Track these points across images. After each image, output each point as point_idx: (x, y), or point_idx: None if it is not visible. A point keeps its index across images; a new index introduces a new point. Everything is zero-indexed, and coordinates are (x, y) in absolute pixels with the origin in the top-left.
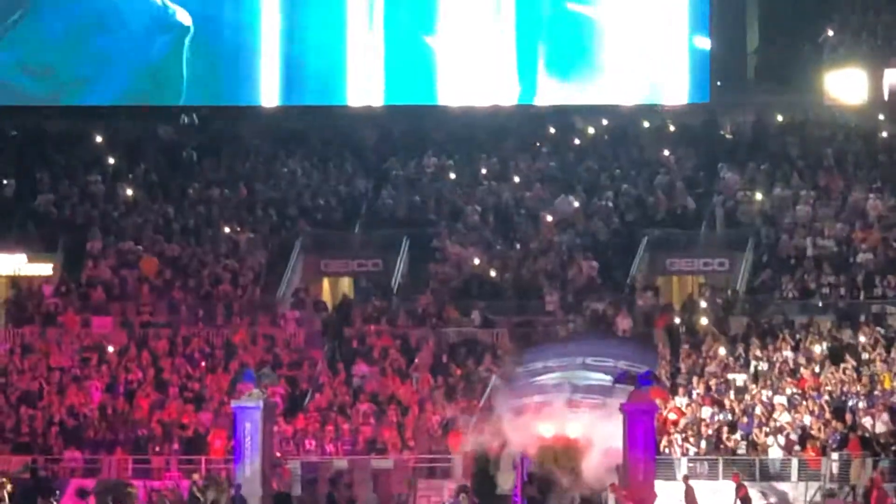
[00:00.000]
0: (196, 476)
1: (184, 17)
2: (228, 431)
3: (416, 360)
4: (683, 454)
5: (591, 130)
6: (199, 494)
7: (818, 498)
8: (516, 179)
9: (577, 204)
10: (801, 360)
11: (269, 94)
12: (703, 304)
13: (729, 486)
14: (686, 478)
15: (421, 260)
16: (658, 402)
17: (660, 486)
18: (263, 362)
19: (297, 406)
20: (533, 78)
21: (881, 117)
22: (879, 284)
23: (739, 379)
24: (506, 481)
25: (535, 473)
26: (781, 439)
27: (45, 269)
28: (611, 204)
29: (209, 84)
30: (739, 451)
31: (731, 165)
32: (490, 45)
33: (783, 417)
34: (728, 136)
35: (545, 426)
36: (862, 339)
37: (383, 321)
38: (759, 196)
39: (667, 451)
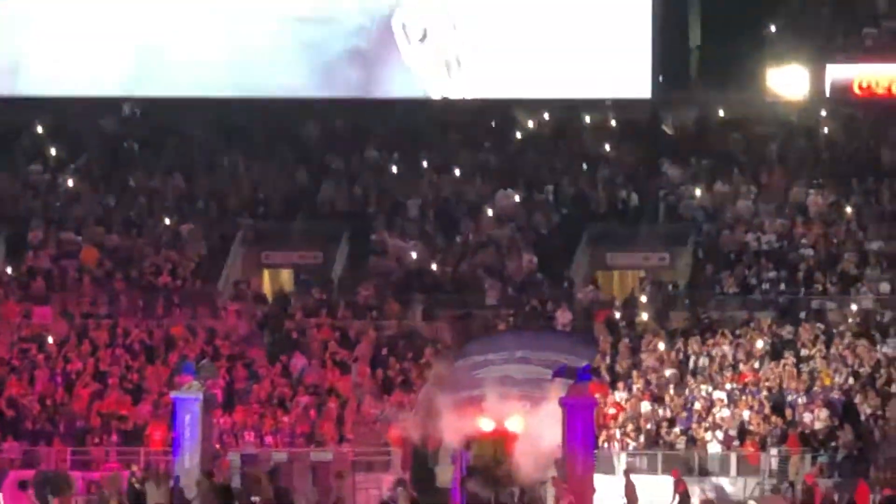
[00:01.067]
0: (134, 467)
1: None
2: (168, 423)
3: (356, 353)
4: (622, 449)
5: (531, 124)
6: (137, 486)
7: (756, 493)
8: (457, 173)
9: (517, 198)
10: (741, 356)
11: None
12: (644, 299)
13: (668, 481)
14: (627, 472)
15: (361, 253)
16: (597, 396)
17: (599, 480)
18: (203, 354)
19: (236, 398)
20: (473, 70)
21: (823, 113)
22: (820, 280)
23: (679, 374)
24: (444, 474)
25: (474, 467)
26: (720, 434)
27: None
28: (551, 198)
29: None
30: (678, 446)
31: (672, 161)
32: (433, 34)
33: (722, 413)
34: (670, 131)
35: (484, 420)
36: (802, 334)
37: (323, 314)
38: (700, 191)
39: (606, 445)
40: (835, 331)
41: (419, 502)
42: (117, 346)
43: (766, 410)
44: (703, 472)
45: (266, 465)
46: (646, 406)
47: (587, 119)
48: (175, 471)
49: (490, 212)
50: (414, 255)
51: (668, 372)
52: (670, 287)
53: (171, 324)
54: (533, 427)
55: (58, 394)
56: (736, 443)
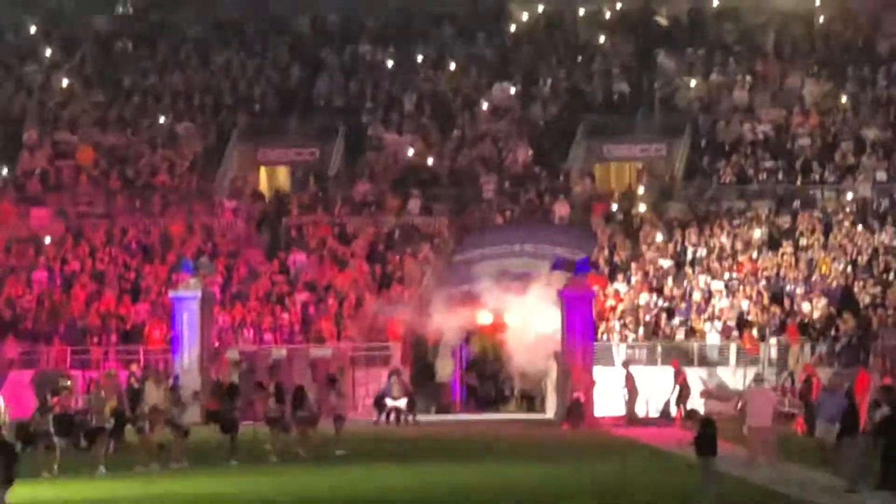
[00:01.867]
0: (133, 367)
1: None
2: (166, 322)
3: (353, 249)
4: (622, 340)
5: (525, 17)
6: (136, 385)
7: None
8: (452, 66)
9: (513, 91)
10: (739, 246)
11: None
12: (641, 191)
13: (667, 372)
14: (626, 363)
15: (357, 149)
16: (596, 288)
17: (598, 372)
18: (201, 252)
19: (234, 296)
20: None
21: (818, 2)
22: (817, 169)
23: (677, 265)
24: (444, 369)
25: (473, 361)
26: (719, 325)
27: None
28: (547, 91)
29: None
30: (677, 338)
31: (667, 52)
32: None
33: (721, 303)
34: (664, 22)
35: (483, 314)
36: (800, 224)
37: (320, 210)
38: (695, 82)
39: (605, 337)
40: (832, 219)
41: (412, 393)
42: (115, 246)
43: (765, 300)
44: (702, 363)
45: (265, 362)
46: (644, 297)
47: (581, 11)
48: (174, 369)
49: (486, 105)
50: (410, 149)
51: (666, 263)
52: (667, 178)
53: (168, 222)
54: (531, 320)
55: (56, 294)
56: (735, 333)
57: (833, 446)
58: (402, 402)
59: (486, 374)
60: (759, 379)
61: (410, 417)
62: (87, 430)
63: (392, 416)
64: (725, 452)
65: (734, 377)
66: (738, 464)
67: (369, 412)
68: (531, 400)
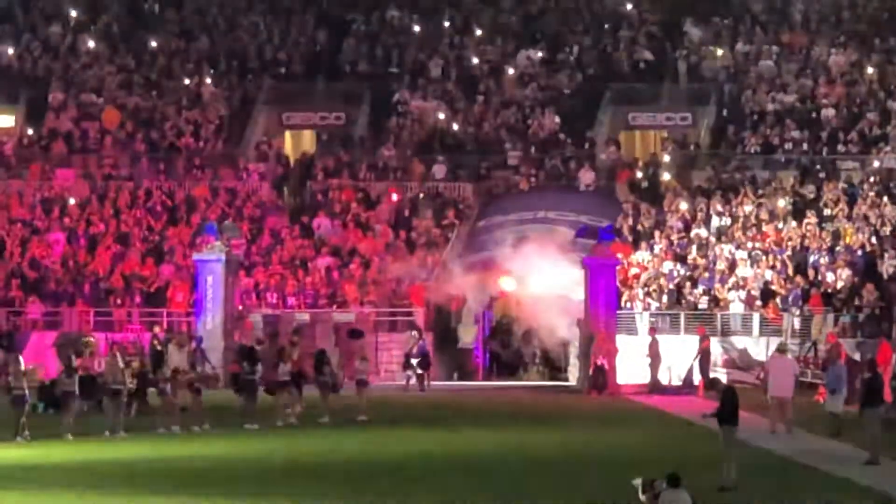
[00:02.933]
0: (157, 329)
1: None
2: (190, 285)
3: (378, 214)
4: (645, 309)
5: None
6: (159, 347)
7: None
8: (478, 33)
9: (539, 57)
10: (764, 216)
11: None
12: (666, 159)
13: (691, 340)
14: (652, 329)
15: (383, 114)
16: (620, 256)
17: (621, 340)
18: (225, 215)
19: (258, 259)
20: None
21: None
22: (842, 140)
23: (701, 234)
24: (467, 335)
25: (496, 327)
26: (743, 294)
27: (7, 121)
28: (573, 58)
29: None
30: (701, 307)
31: (694, 20)
32: None
33: (745, 272)
34: None
35: (506, 280)
36: (824, 194)
37: (345, 174)
38: (722, 51)
39: (628, 305)
40: (857, 190)
41: (425, 353)
42: (139, 208)
43: (789, 270)
44: (726, 332)
45: (288, 326)
46: (668, 266)
47: None
48: (197, 332)
49: (511, 72)
50: (441, 115)
51: (690, 232)
52: (692, 147)
53: (192, 185)
54: (554, 287)
55: (80, 255)
56: (758, 303)
57: (840, 416)
58: (415, 361)
59: (509, 341)
60: (781, 349)
61: (421, 377)
62: (110, 392)
63: (413, 380)
64: (747, 422)
65: (757, 347)
66: (760, 433)
67: (392, 377)
68: (554, 367)
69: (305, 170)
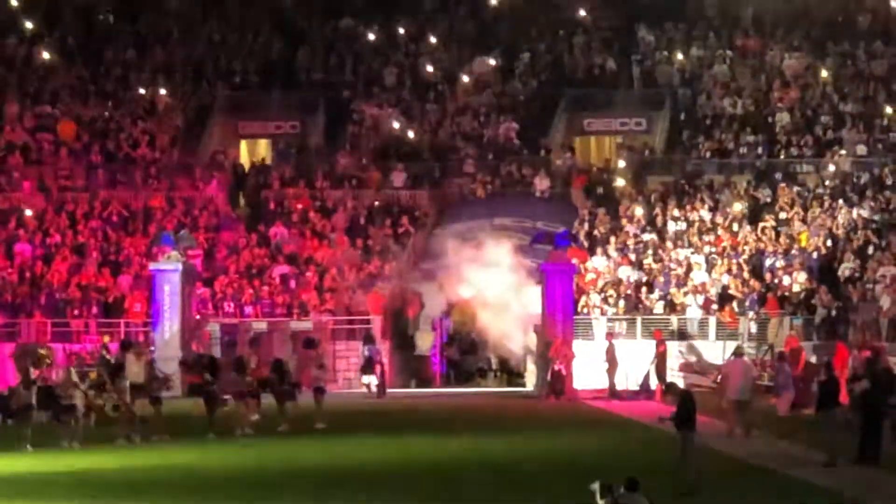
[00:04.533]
0: (107, 339)
1: None
2: (147, 295)
3: (334, 222)
4: (602, 314)
5: None
6: (109, 357)
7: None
8: (433, 41)
9: (493, 64)
10: (719, 220)
11: None
12: (621, 164)
13: (648, 345)
14: (609, 335)
15: (338, 122)
16: (576, 262)
17: (579, 345)
18: (181, 225)
19: (215, 269)
20: None
21: None
22: (797, 143)
23: (657, 239)
24: (424, 342)
25: (454, 335)
26: (699, 298)
27: None
28: (528, 64)
29: None
30: (657, 311)
31: (648, 25)
32: None
33: (701, 277)
34: None
35: (463, 287)
36: (780, 197)
37: (301, 183)
38: (676, 56)
39: (585, 311)
40: (812, 194)
41: (373, 364)
42: (95, 219)
43: (745, 274)
44: (683, 336)
45: (246, 336)
46: (624, 271)
47: None
48: (154, 342)
49: (466, 79)
50: (396, 123)
51: (646, 237)
52: (647, 152)
53: (149, 196)
54: (511, 293)
55: (37, 267)
56: (715, 307)
57: (790, 419)
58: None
59: (466, 348)
60: (738, 352)
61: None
62: (63, 405)
63: (373, 387)
64: (704, 426)
65: (714, 351)
66: (717, 437)
67: (349, 385)
68: (511, 373)
69: (261, 178)
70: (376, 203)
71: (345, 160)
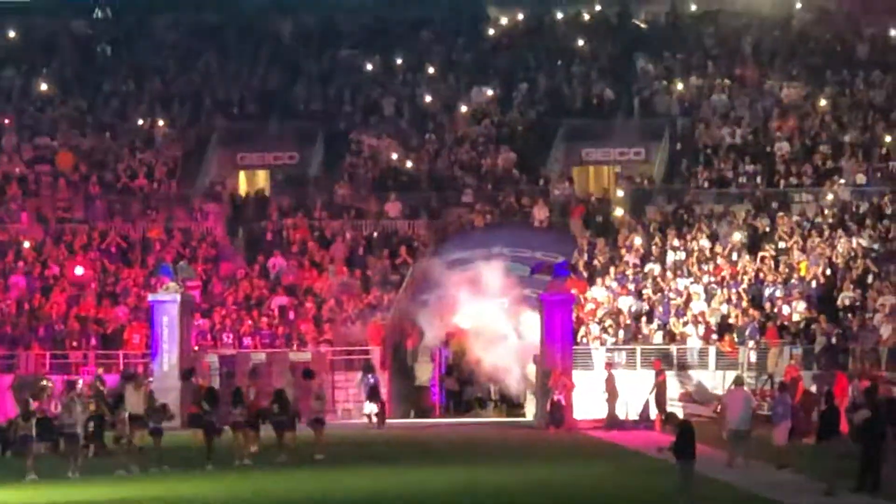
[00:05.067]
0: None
1: None
2: (146, 326)
3: (332, 253)
4: (601, 344)
5: (505, 21)
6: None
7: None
8: (431, 71)
9: (492, 94)
10: (718, 249)
11: None
12: (620, 194)
13: (647, 375)
14: (608, 365)
15: (337, 153)
16: (575, 292)
17: (578, 376)
18: (180, 256)
19: (214, 300)
20: None
21: (797, 6)
22: (796, 173)
23: (656, 269)
24: (423, 373)
25: (453, 365)
26: (700, 328)
27: None
28: (526, 94)
29: None
30: (656, 341)
31: (646, 55)
32: None
33: (700, 306)
34: (643, 25)
35: (463, 318)
36: (779, 227)
37: (300, 214)
38: (674, 86)
39: (584, 341)
40: (811, 223)
41: (378, 393)
42: (93, 251)
43: (745, 304)
44: (682, 367)
45: (245, 366)
46: (624, 301)
47: (560, 14)
48: (154, 373)
49: (465, 108)
50: (390, 154)
51: (645, 267)
52: (646, 182)
53: (147, 227)
54: (510, 324)
55: (35, 298)
56: (714, 336)
57: (787, 449)
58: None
59: (466, 378)
60: (738, 382)
61: (379, 415)
62: (66, 434)
63: (374, 418)
64: (704, 456)
65: (713, 380)
66: (717, 467)
67: (348, 416)
68: (511, 404)
69: (260, 209)
70: (375, 233)
71: (343, 190)
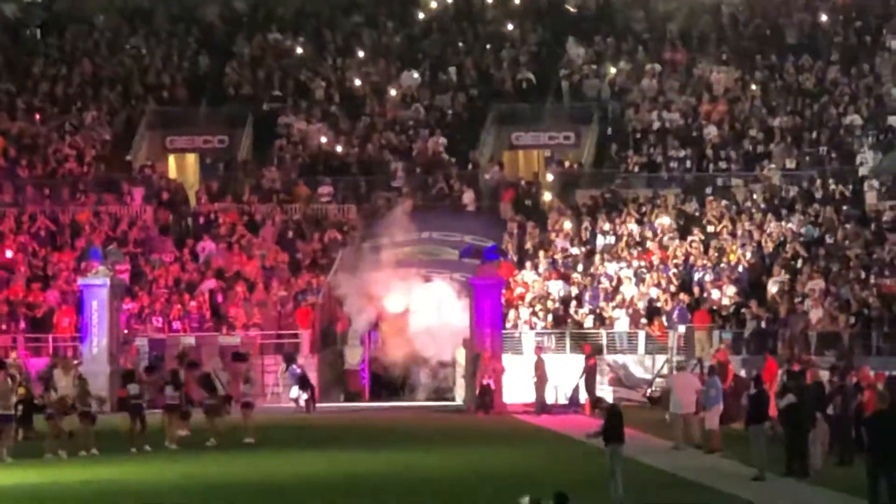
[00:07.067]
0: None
1: None
2: (75, 310)
3: (262, 236)
4: (531, 328)
5: (434, 5)
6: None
7: (665, 371)
8: (361, 55)
9: (420, 78)
10: (648, 234)
11: None
12: (549, 178)
13: (576, 360)
14: (538, 349)
15: (266, 136)
16: (504, 276)
17: (507, 360)
18: (109, 240)
19: (143, 283)
20: None
21: None
22: (725, 157)
23: (586, 253)
24: (353, 357)
25: (382, 349)
26: (629, 312)
27: None
28: (456, 79)
29: None
30: (586, 325)
31: (576, 40)
32: None
33: (630, 291)
34: (573, 10)
35: (391, 301)
36: (708, 211)
37: (229, 198)
38: (604, 70)
39: (513, 325)
40: (741, 207)
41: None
42: (23, 234)
43: (674, 288)
44: (611, 351)
45: (174, 350)
46: (553, 285)
47: None
48: (83, 357)
49: (394, 93)
50: (320, 137)
51: (574, 251)
52: (576, 166)
53: (76, 211)
54: (439, 308)
55: None
56: (643, 320)
57: (717, 433)
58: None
59: (394, 362)
60: (682, 365)
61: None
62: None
63: (301, 402)
64: (634, 440)
65: (643, 365)
66: (646, 450)
67: (278, 399)
68: (440, 387)
69: (189, 193)
70: (304, 217)
71: (272, 174)
